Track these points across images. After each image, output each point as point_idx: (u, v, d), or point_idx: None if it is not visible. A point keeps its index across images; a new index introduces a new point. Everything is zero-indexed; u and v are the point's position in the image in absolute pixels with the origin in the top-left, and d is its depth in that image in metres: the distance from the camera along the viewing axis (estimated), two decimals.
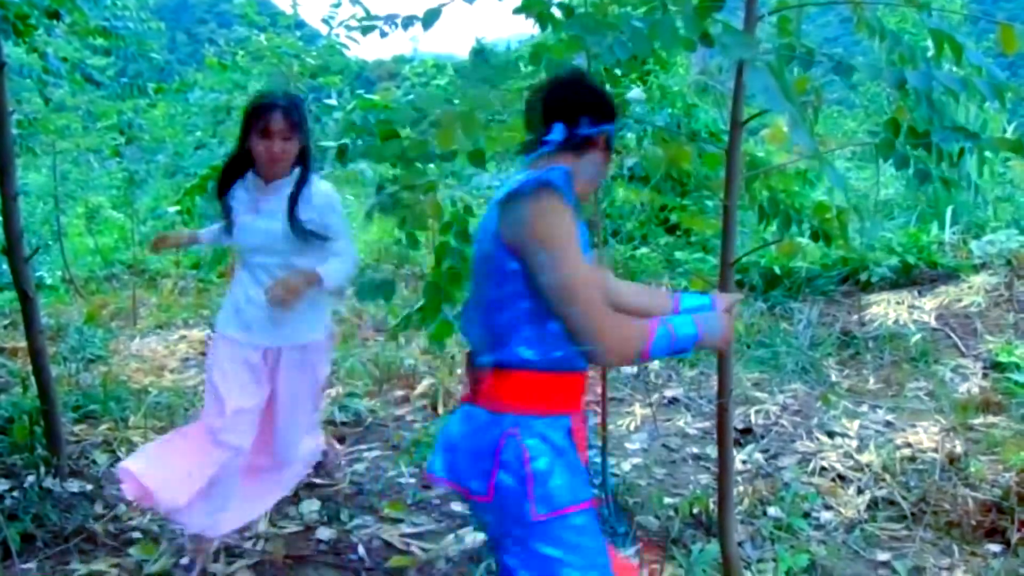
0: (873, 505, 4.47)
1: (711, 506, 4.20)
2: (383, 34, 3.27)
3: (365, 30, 3.32)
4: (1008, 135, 9.71)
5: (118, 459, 5.02)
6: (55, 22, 5.51)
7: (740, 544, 3.93)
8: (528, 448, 2.15)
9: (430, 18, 3.03)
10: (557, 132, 2.28)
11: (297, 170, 3.78)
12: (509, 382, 2.21)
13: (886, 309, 7.89)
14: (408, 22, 3.19)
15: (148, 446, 3.86)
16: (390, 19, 3.25)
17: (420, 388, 6.44)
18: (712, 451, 5.03)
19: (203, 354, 7.87)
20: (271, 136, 3.64)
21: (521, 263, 2.12)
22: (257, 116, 3.66)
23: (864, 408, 5.96)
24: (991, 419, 5.51)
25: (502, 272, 2.16)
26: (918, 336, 7.16)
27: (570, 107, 2.32)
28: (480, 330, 2.28)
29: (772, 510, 4.36)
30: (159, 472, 3.51)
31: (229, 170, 3.86)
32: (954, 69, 2.96)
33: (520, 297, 2.16)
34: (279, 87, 8.42)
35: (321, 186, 3.81)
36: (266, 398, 3.85)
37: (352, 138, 3.93)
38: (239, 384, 3.73)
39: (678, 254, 10.07)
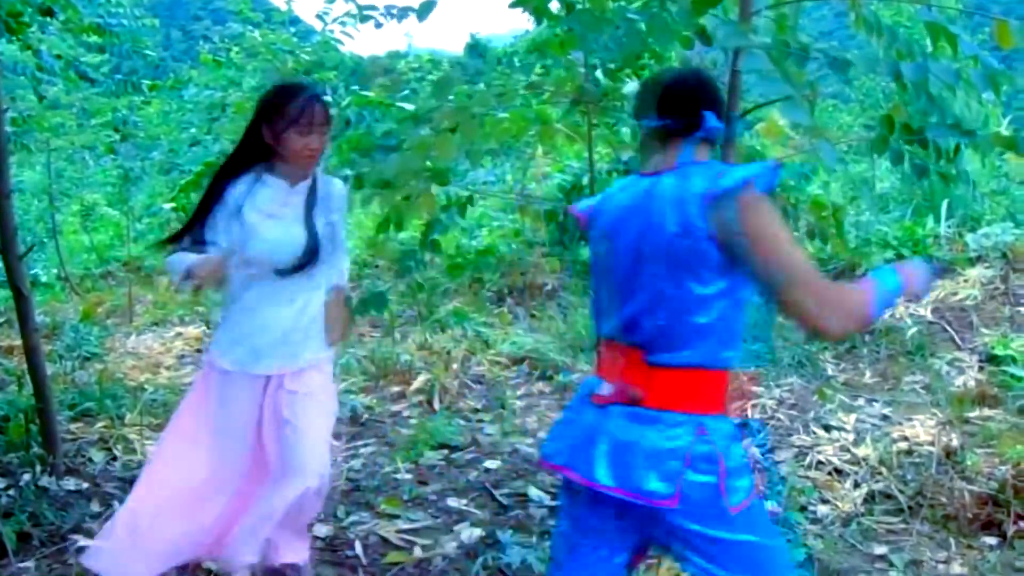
0: (870, 499, 4.47)
1: None
2: (378, 24, 3.27)
3: (362, 19, 3.32)
4: (1003, 130, 9.71)
5: (114, 457, 5.03)
6: (49, 19, 5.50)
7: None
8: (720, 447, 2.17)
9: (425, 9, 3.03)
10: (712, 121, 2.27)
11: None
12: (701, 382, 2.21)
13: None
14: (403, 13, 3.18)
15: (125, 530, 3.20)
16: (386, 10, 3.25)
17: (416, 384, 6.44)
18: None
19: (199, 351, 7.87)
20: (313, 130, 3.15)
21: (734, 259, 2.13)
22: (298, 108, 3.11)
23: (860, 402, 5.97)
24: (987, 412, 5.51)
25: (706, 269, 2.14)
26: (914, 330, 7.16)
27: (715, 101, 2.34)
28: (661, 329, 2.21)
29: (769, 504, 4.36)
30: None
31: (238, 166, 3.27)
32: (952, 66, 2.96)
33: (724, 295, 2.16)
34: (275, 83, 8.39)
35: (336, 185, 3.39)
36: (256, 433, 3.32)
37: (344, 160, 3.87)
38: (231, 429, 3.28)
39: None
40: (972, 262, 8.30)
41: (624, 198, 2.35)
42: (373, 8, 3.33)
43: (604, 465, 2.21)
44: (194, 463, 3.27)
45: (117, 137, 11.13)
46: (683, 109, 2.29)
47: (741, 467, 2.21)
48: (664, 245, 2.17)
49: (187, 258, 3.17)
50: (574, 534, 2.42)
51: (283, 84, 3.35)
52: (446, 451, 5.28)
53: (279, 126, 3.13)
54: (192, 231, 3.26)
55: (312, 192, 3.28)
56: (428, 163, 3.75)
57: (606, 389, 2.28)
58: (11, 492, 4.36)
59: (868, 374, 6.63)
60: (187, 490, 3.24)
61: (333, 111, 8.75)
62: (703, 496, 2.14)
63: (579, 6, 3.16)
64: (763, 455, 2.22)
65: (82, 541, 3.93)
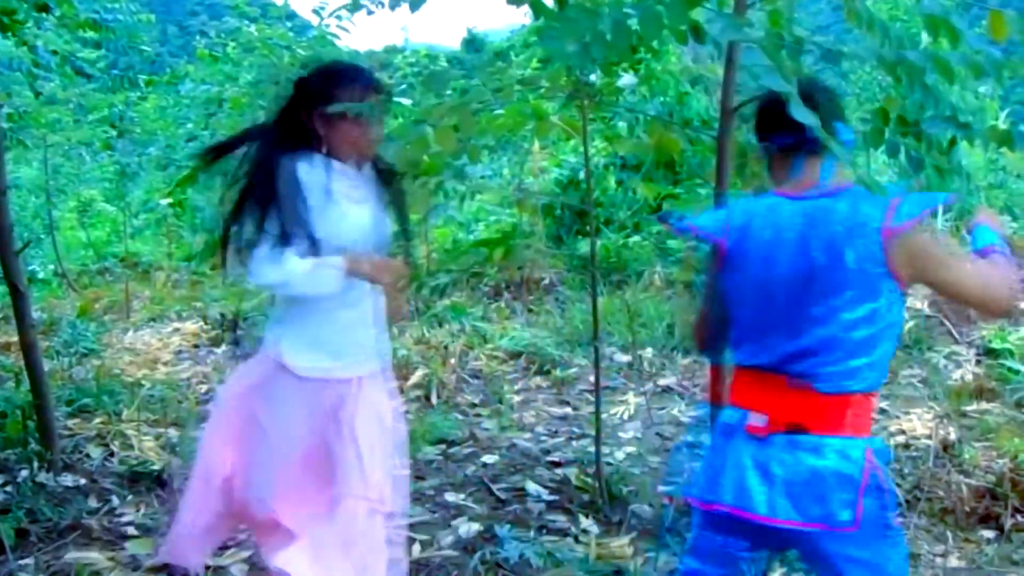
0: None
1: None
2: (369, 12, 3.25)
3: (353, 8, 3.29)
4: (1000, 124, 9.71)
5: (112, 453, 5.02)
6: (45, 15, 5.49)
7: None
8: (882, 468, 2.18)
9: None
10: (844, 135, 2.24)
11: None
12: (863, 406, 2.22)
13: None
14: (396, 3, 3.16)
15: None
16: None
17: (414, 379, 6.44)
18: (706, 440, 5.03)
19: (196, 346, 7.87)
20: (367, 118, 2.80)
21: (899, 284, 2.15)
22: (354, 97, 2.76)
23: None
24: (984, 406, 5.51)
25: (877, 297, 2.14)
26: (912, 323, 7.16)
27: (840, 112, 2.34)
28: (832, 358, 2.18)
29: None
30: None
31: (283, 149, 2.79)
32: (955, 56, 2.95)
33: (886, 319, 2.17)
34: (271, 78, 8.41)
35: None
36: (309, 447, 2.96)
37: None
38: (286, 438, 2.92)
39: (671, 243, 10.06)
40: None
41: (774, 221, 2.27)
42: None
43: (776, 498, 2.19)
44: (225, 458, 3.03)
45: (114, 133, 11.15)
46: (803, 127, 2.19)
47: (886, 488, 2.21)
48: (838, 275, 2.15)
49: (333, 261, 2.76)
50: (714, 567, 2.42)
51: (332, 67, 3.00)
52: (444, 446, 5.28)
53: (333, 115, 2.75)
54: (293, 226, 2.71)
55: (378, 175, 2.98)
56: (426, 158, 3.75)
57: (760, 420, 2.25)
58: (8, 488, 4.36)
59: None
60: (216, 483, 3.03)
61: None
62: (872, 520, 2.16)
63: (571, 1, 3.14)
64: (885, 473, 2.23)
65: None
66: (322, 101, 2.76)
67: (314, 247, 2.72)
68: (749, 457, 2.24)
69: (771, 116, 2.30)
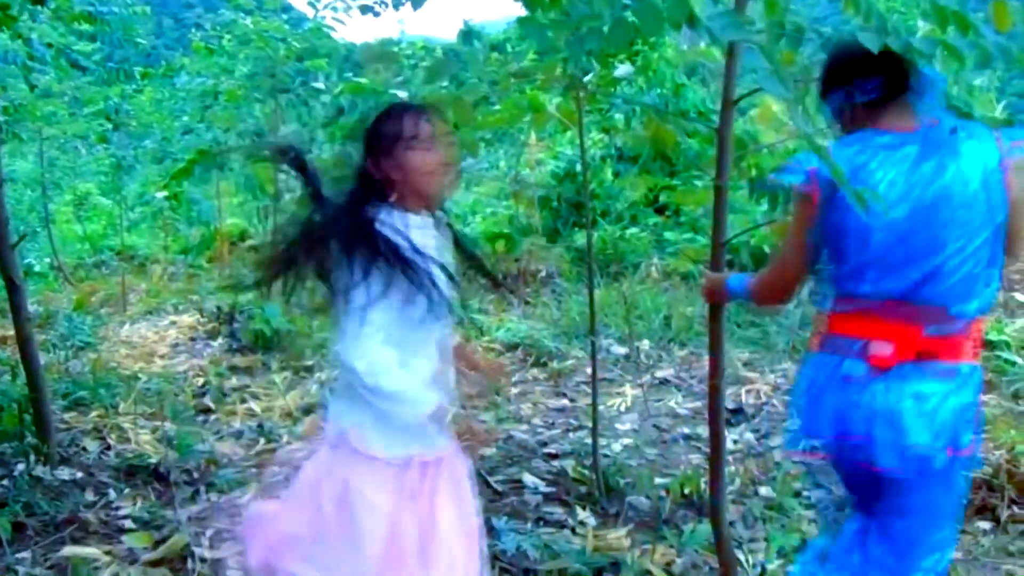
0: None
1: (702, 486, 4.20)
2: (376, 13, 3.25)
3: (363, 9, 3.30)
4: (998, 116, 9.70)
5: (108, 446, 5.02)
6: (39, 8, 5.47)
7: (731, 524, 3.92)
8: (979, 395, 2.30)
9: None
10: (930, 75, 2.38)
11: None
12: (980, 332, 2.34)
13: None
14: (398, 2, 3.16)
15: None
16: None
17: None
18: (703, 431, 5.03)
19: (192, 339, 7.86)
20: (431, 143, 2.60)
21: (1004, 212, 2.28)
22: (405, 123, 2.58)
23: None
24: (981, 397, 5.51)
25: (995, 221, 2.27)
26: None
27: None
28: (962, 282, 2.27)
29: (763, 490, 4.36)
30: None
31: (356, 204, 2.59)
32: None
33: (998, 240, 2.29)
34: (266, 71, 8.40)
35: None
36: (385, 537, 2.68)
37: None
38: (376, 531, 2.65)
39: (668, 234, 10.07)
40: None
41: (891, 158, 2.32)
42: None
43: (912, 424, 2.27)
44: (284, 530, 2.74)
45: (109, 126, 11.15)
46: (897, 68, 2.34)
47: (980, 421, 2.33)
48: (966, 203, 2.24)
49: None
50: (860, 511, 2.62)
51: (380, 110, 2.77)
52: None
53: (389, 150, 2.59)
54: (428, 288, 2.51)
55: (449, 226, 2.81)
56: None
57: (886, 348, 2.31)
58: (5, 482, 4.35)
59: None
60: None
61: (326, 98, 8.71)
62: (975, 449, 2.30)
63: None
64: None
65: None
66: (381, 143, 2.60)
67: (435, 312, 2.53)
68: (873, 387, 2.32)
69: (850, 67, 2.39)
